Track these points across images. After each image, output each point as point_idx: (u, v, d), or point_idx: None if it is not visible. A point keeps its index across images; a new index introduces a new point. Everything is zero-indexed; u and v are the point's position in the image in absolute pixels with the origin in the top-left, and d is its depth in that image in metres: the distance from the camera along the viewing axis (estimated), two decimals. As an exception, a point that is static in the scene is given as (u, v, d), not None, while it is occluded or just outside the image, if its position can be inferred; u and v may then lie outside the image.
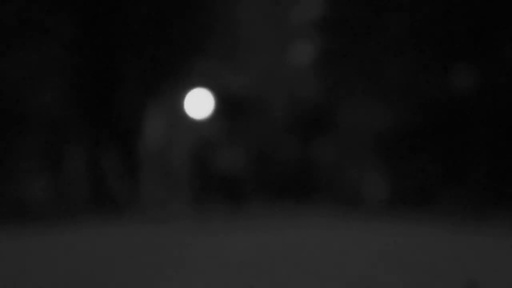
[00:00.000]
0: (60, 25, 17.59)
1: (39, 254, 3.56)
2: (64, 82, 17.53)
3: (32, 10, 15.84)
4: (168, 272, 2.69)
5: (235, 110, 37.59)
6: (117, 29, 19.27)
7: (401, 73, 23.84)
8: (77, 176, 22.07)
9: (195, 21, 20.62)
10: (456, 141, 22.24)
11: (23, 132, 16.90)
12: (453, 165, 23.24)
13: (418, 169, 27.05)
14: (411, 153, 26.79)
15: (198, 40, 22.01)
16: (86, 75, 18.42)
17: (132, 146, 30.33)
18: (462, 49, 18.71)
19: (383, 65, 23.68)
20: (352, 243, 3.83)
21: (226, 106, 38.25)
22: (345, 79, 26.92)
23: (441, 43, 18.35)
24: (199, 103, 33.26)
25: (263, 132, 46.79)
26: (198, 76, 29.65)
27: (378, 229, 5.46)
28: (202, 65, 28.90)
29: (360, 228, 5.68)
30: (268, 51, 38.13)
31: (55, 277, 2.65)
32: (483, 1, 16.39)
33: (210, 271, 2.70)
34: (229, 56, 31.30)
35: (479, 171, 17.91)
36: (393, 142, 28.25)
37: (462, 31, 17.45)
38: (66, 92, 17.55)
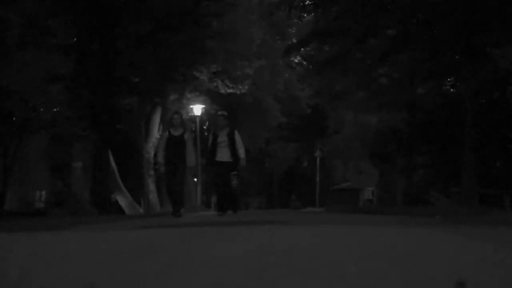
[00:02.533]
0: (64, 31, 17.64)
1: (41, 254, 3.61)
2: (67, 87, 17.57)
3: (36, 16, 15.89)
4: (168, 273, 2.74)
5: (234, 116, 37.48)
6: (119, 35, 19.32)
7: (394, 77, 23.87)
8: (80, 178, 22.05)
9: (195, 28, 20.65)
10: (448, 143, 22.23)
11: (28, 135, 16.93)
12: (445, 165, 23.23)
13: (413, 169, 27.03)
14: (406, 154, 26.75)
15: (198, 46, 22.02)
16: (89, 80, 18.45)
17: (135, 150, 30.29)
18: (455, 54, 18.75)
19: (377, 70, 23.67)
20: (348, 242, 3.89)
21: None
22: (340, 84, 26.89)
23: (435, 47, 18.36)
24: (198, 109, 33.18)
25: (262, 136, 46.62)
26: (197, 82, 29.62)
27: (373, 229, 5.52)
28: (201, 71, 28.90)
29: (355, 228, 5.74)
30: (265, 58, 38.08)
31: (57, 277, 2.72)
32: (475, 7, 16.43)
33: (212, 272, 2.75)
34: (227, 63, 31.30)
35: (471, 172, 17.91)
36: (388, 143, 28.22)
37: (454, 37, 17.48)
38: (70, 97, 17.57)
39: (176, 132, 12.11)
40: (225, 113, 13.26)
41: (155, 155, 13.12)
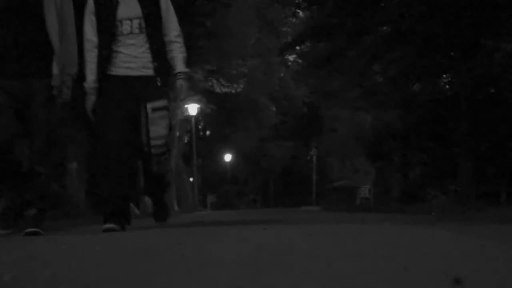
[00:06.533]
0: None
1: (36, 256, 3.60)
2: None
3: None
4: (164, 275, 2.73)
5: (229, 116, 37.45)
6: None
7: (389, 75, 23.92)
8: (75, 180, 21.99)
9: (189, 27, 20.67)
10: (444, 140, 22.28)
11: (25, 134, 16.88)
12: (442, 162, 23.29)
13: (409, 166, 27.08)
14: (402, 151, 26.80)
15: (192, 45, 22.05)
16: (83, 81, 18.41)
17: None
18: (450, 50, 18.78)
19: (372, 67, 23.72)
20: (343, 241, 3.88)
21: (220, 111, 38.09)
22: (335, 82, 26.95)
23: (429, 43, 18.41)
24: (193, 108, 33.18)
25: (257, 135, 46.64)
26: (192, 81, 29.61)
27: (369, 227, 5.52)
28: (196, 71, 28.87)
29: (351, 226, 5.73)
30: (260, 56, 38.09)
31: (52, 280, 2.71)
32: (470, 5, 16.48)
33: (207, 273, 2.74)
34: (222, 62, 31.31)
35: (467, 169, 17.98)
36: (384, 141, 28.28)
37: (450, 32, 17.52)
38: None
39: None
40: None
41: None
